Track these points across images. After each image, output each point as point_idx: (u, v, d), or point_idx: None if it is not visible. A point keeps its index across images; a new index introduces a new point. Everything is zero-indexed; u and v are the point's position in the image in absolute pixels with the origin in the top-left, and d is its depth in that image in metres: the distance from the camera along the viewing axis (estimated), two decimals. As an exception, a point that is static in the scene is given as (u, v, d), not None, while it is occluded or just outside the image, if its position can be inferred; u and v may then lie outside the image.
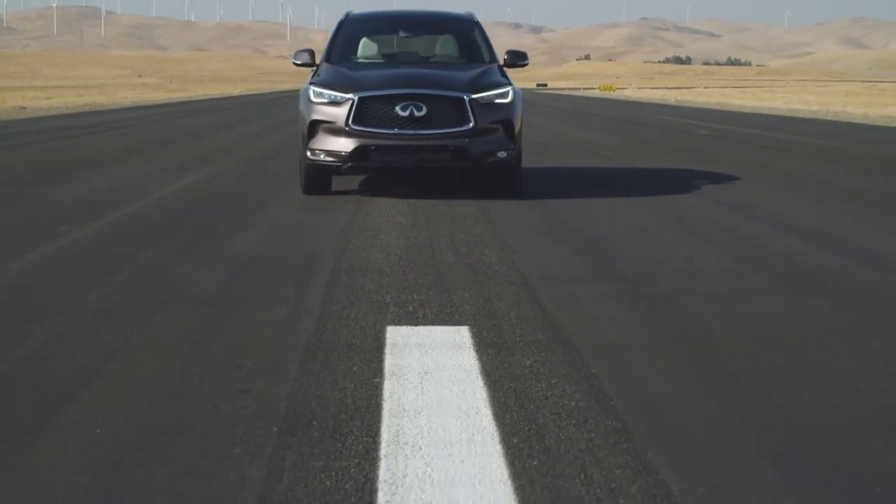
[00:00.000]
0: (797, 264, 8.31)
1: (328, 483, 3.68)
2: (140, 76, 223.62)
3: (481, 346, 5.54)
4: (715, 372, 5.16)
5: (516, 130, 12.27)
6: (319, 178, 12.48)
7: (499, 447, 4.03)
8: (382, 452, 3.97)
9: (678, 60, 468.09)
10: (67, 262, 8.27)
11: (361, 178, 13.92)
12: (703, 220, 10.79)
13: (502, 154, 12.06)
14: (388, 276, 7.51)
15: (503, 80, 12.60)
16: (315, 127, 12.05)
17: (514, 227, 10.00)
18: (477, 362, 5.21)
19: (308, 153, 12.09)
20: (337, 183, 12.88)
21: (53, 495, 3.61)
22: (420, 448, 4.01)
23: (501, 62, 13.34)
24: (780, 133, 28.64)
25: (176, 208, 11.58)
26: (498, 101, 12.18)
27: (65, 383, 4.90)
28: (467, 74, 12.53)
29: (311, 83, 12.45)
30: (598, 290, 7.09)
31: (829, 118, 40.86)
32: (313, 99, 12.15)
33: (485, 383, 4.86)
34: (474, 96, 11.99)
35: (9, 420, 4.39)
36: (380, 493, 3.58)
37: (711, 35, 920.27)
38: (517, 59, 13.43)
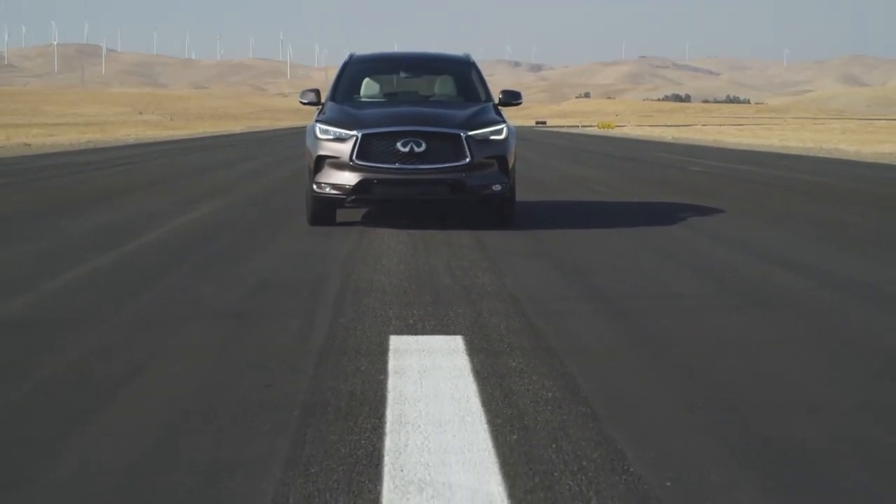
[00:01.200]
0: (762, 286, 9.07)
1: (343, 451, 4.45)
2: (140, 113, 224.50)
3: (473, 351, 6.31)
4: (674, 371, 5.93)
5: (510, 165, 13.06)
6: (325, 210, 13.26)
7: (485, 426, 4.80)
8: (387, 429, 4.74)
9: (677, 98, 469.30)
10: (96, 283, 9.03)
11: (364, 210, 14.71)
12: (684, 249, 11.56)
13: (497, 187, 12.85)
14: (391, 295, 8.29)
15: (498, 118, 13.39)
16: (321, 162, 12.84)
17: (507, 255, 10.77)
18: (469, 364, 5.98)
19: (314, 186, 12.88)
20: (341, 215, 13.65)
21: (123, 455, 4.37)
22: (419, 426, 4.78)
23: (496, 101, 14.16)
24: (771, 169, 29.46)
25: (190, 238, 12.35)
26: (493, 137, 12.97)
27: (110, 381, 5.66)
28: (464, 112, 13.32)
29: (317, 121, 13.25)
30: (579, 307, 7.87)
31: (822, 155, 41.66)
32: (319, 136, 12.95)
33: (475, 379, 5.63)
34: (470, 133, 12.78)
35: (78, 402, 5.16)
36: (386, 458, 4.35)
37: (710, 73, 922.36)
38: (511, 98, 14.25)
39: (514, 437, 4.65)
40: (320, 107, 13.99)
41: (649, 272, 9.83)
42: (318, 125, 13.06)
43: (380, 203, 14.01)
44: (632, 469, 4.25)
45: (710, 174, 27.12)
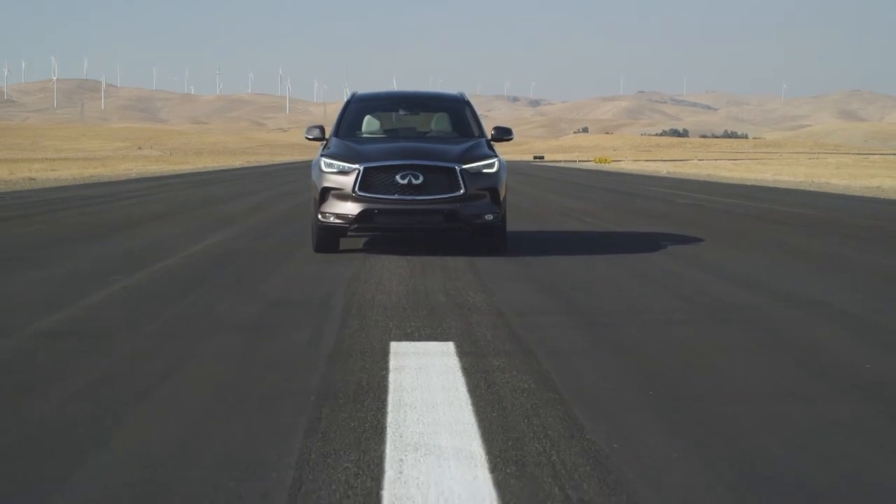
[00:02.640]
0: (724, 302, 10.08)
1: (353, 424, 5.45)
2: (140, 148, 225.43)
3: (462, 353, 7.32)
4: (633, 369, 6.94)
5: (501, 196, 14.09)
6: (329, 237, 14.28)
7: (470, 407, 5.80)
8: (389, 409, 5.74)
9: (675, 133, 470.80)
10: (127, 300, 10.03)
11: (365, 239, 15.73)
12: (659, 271, 12.57)
13: (489, 217, 13.88)
14: (391, 310, 9.30)
15: (490, 152, 14.42)
16: (326, 193, 13.88)
17: (497, 278, 11.78)
18: (458, 363, 6.99)
19: (319, 216, 13.92)
20: (343, 244, 14.67)
21: (170, 434, 5.37)
22: (415, 407, 5.78)
23: (489, 136, 15.22)
24: (756, 202, 30.53)
25: (205, 263, 13.34)
26: (485, 170, 14.00)
27: (152, 376, 6.67)
28: (459, 147, 14.36)
29: (322, 155, 14.29)
30: (558, 320, 8.87)
31: (812, 189, 42.72)
32: (324, 169, 13.98)
33: (463, 374, 6.63)
34: (465, 167, 13.82)
35: (132, 389, 6.16)
36: (388, 429, 5.35)
37: (708, 108, 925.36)
38: (503, 133, 15.31)
39: (494, 414, 5.66)
40: (325, 142, 15.04)
41: (625, 292, 10.83)
42: (323, 159, 14.09)
43: (380, 231, 15.00)
44: (588, 436, 5.26)
45: (696, 206, 28.17)
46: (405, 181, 13.66)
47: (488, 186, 13.99)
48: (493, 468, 4.70)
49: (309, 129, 15.52)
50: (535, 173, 69.01)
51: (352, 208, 13.73)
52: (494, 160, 14.19)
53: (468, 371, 6.74)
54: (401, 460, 4.81)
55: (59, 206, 26.82)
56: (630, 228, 19.77)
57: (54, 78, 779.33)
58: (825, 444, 5.24)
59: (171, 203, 29.45)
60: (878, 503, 4.44)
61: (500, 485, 4.48)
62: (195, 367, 6.96)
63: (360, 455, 4.91)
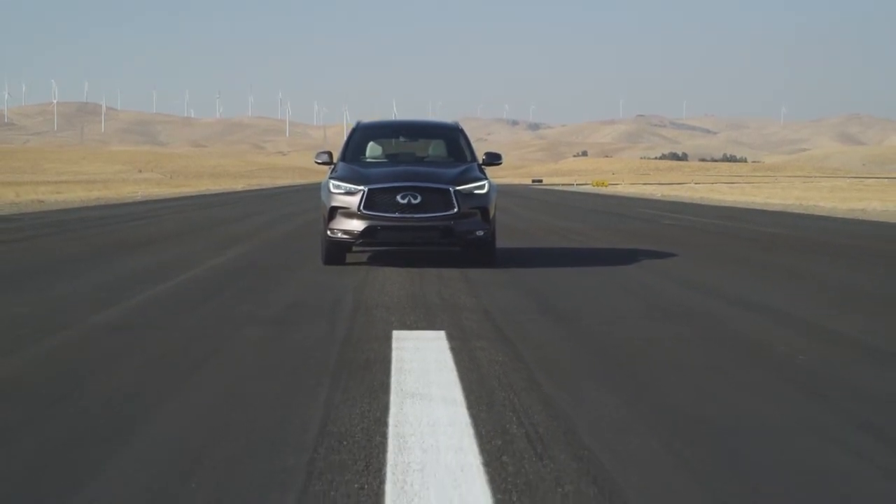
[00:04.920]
0: (683, 305, 11.72)
1: (364, 383, 7.08)
2: (140, 171, 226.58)
3: (452, 338, 8.95)
4: (592, 351, 8.58)
5: (491, 214, 15.75)
6: (337, 251, 15.94)
7: (455, 373, 7.42)
8: (392, 373, 7.37)
9: (674, 157, 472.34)
10: (158, 305, 11.63)
11: (369, 254, 17.42)
12: (631, 281, 14.20)
13: (480, 233, 15.53)
14: (393, 309, 10.94)
15: (481, 175, 16.10)
16: (334, 212, 15.54)
17: (486, 285, 13.40)
18: (448, 345, 8.62)
19: (328, 232, 15.57)
20: (349, 257, 16.33)
21: (219, 397, 7.00)
22: (413, 372, 7.42)
23: (480, 161, 16.90)
24: (737, 223, 32.26)
25: (225, 274, 14.97)
26: (476, 191, 15.66)
27: (198, 358, 8.30)
28: (453, 171, 16.02)
29: (330, 178, 15.95)
30: (535, 317, 10.51)
31: (798, 211, 44.38)
32: (333, 190, 15.64)
33: (451, 352, 8.26)
34: (458, 188, 15.48)
35: (184, 366, 7.80)
36: (392, 385, 6.97)
37: (708, 132, 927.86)
38: (493, 159, 17.03)
39: (473, 376, 7.29)
40: (333, 166, 16.72)
41: (598, 297, 12.45)
42: (332, 181, 15.76)
43: (383, 246, 16.64)
44: (544, 390, 6.89)
45: (680, 226, 29.87)
46: (405, 201, 15.31)
47: (479, 206, 15.64)
48: (470, 407, 6.33)
49: (318, 155, 17.27)
50: (532, 196, 70.88)
51: (357, 225, 15.38)
52: (485, 182, 15.84)
53: (455, 350, 8.36)
54: (402, 402, 6.45)
55: (79, 227, 28.46)
56: (613, 245, 21.43)
57: (54, 101, 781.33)
58: (728, 397, 6.86)
59: (183, 223, 31.09)
60: (762, 432, 6.03)
61: (475, 416, 6.10)
62: (235, 348, 8.60)
63: (371, 400, 6.53)
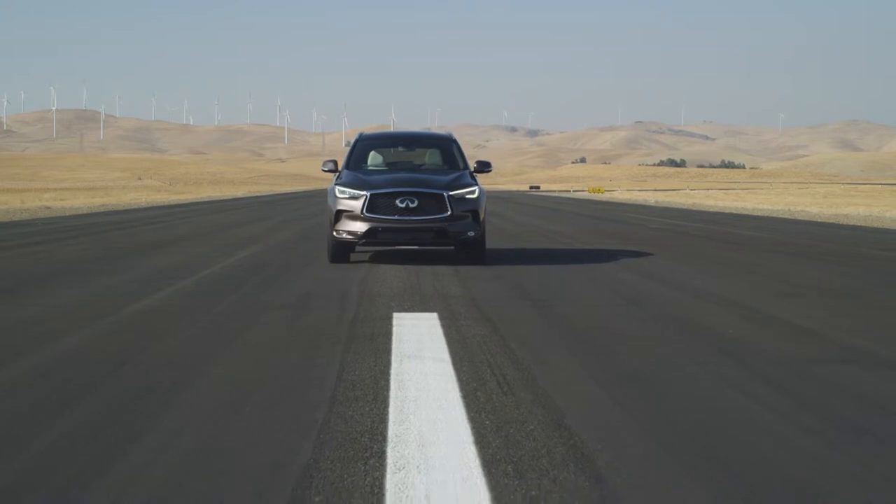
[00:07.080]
0: (644, 294, 13.40)
1: (370, 348, 8.77)
2: (140, 179, 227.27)
3: (443, 318, 10.66)
4: (561, 327, 10.27)
5: (481, 217, 17.45)
6: (342, 250, 17.63)
7: (444, 342, 9.11)
8: (393, 342, 9.07)
9: (672, 163, 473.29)
10: (189, 294, 13.30)
11: (370, 254, 19.14)
12: (605, 276, 15.89)
13: (471, 233, 17.23)
14: (393, 297, 12.65)
15: (472, 181, 17.81)
16: (339, 214, 17.24)
17: (475, 279, 15.09)
18: (439, 323, 10.32)
19: (334, 233, 17.27)
20: (353, 257, 18.03)
21: (255, 354, 8.70)
22: (410, 342, 9.11)
23: (472, 169, 18.61)
24: (719, 226, 33.98)
25: (242, 270, 16.64)
26: (468, 196, 17.36)
27: (230, 334, 9.99)
28: (447, 178, 17.72)
29: (336, 183, 17.64)
30: (514, 303, 12.22)
31: (784, 216, 45.81)
32: (338, 195, 17.34)
33: (442, 328, 9.96)
34: (451, 193, 17.18)
35: (218, 340, 9.49)
36: (392, 350, 8.66)
37: (706, 138, 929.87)
38: (483, 167, 18.76)
39: (459, 345, 8.98)
40: (338, 173, 18.43)
41: (573, 288, 14.13)
42: (337, 187, 17.46)
43: (383, 245, 18.29)
44: (516, 355, 8.57)
45: (664, 229, 31.59)
46: (403, 205, 17.02)
47: (470, 209, 17.34)
48: (454, 363, 8.03)
49: (325, 163, 19.04)
50: (527, 202, 72.62)
51: (360, 227, 17.08)
52: (475, 188, 17.55)
53: (445, 327, 10.06)
54: (401, 361, 8.15)
55: (93, 230, 30.12)
56: (596, 246, 23.13)
57: (53, 108, 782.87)
58: (663, 358, 8.54)
59: (193, 227, 32.75)
60: (686, 381, 7.69)
61: (458, 370, 7.79)
62: (259, 327, 10.30)
63: (376, 360, 8.23)
